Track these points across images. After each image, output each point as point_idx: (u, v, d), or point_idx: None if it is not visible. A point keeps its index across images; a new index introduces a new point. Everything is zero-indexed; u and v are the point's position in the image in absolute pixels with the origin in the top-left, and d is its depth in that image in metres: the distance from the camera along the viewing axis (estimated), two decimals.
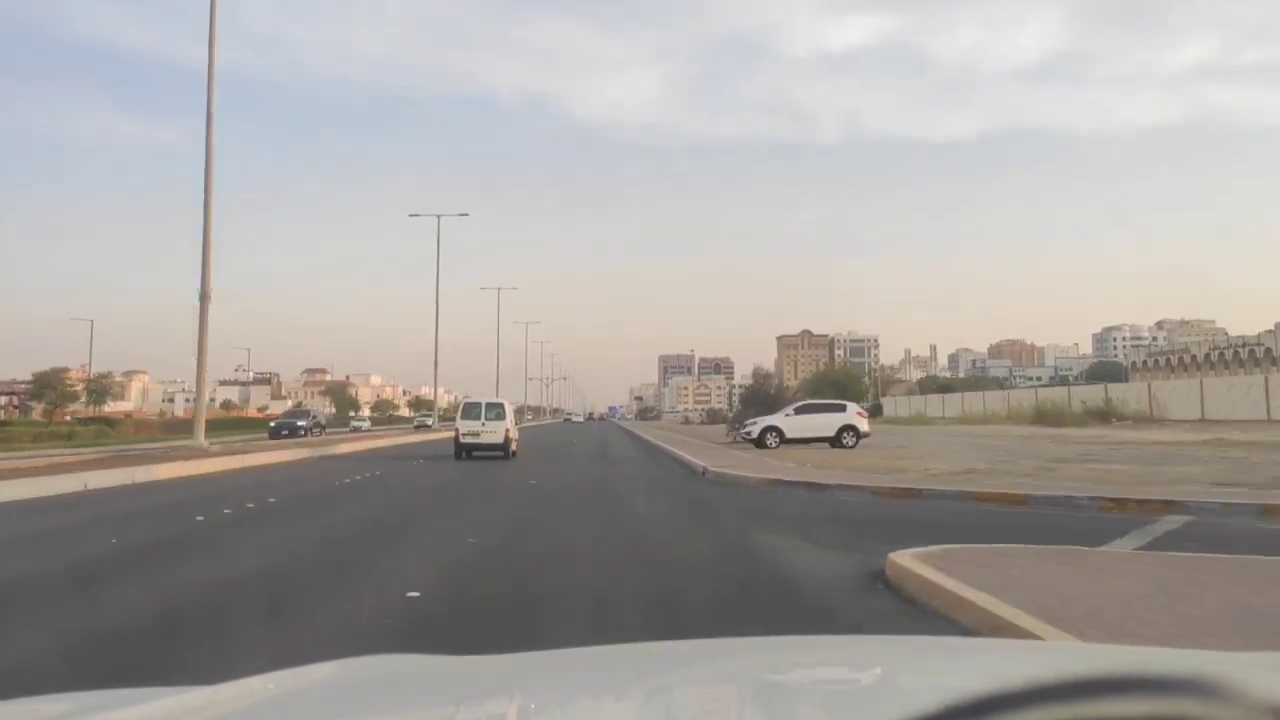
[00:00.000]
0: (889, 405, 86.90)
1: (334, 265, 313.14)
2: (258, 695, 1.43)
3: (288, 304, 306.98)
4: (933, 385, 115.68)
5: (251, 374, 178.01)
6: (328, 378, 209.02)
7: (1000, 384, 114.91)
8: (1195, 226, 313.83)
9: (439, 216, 52.90)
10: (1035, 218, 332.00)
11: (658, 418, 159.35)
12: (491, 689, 1.51)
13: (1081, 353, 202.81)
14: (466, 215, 57.48)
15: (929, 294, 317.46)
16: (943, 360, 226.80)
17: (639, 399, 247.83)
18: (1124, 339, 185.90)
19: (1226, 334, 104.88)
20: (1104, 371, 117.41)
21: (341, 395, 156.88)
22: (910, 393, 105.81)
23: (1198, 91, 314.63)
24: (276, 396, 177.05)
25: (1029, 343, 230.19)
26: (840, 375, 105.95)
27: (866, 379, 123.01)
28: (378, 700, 1.40)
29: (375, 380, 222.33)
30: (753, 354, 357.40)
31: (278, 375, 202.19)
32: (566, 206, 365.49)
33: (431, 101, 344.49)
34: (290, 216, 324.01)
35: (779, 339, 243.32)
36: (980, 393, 78.63)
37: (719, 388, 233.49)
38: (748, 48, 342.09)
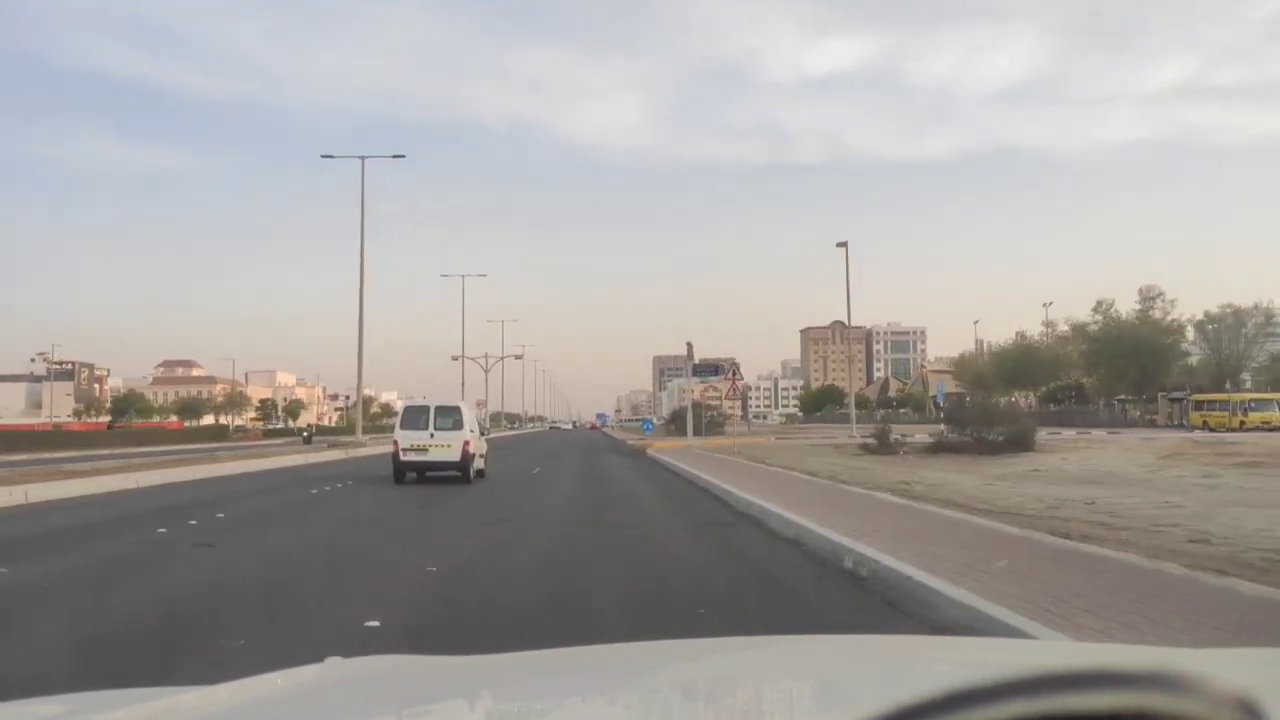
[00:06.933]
0: None
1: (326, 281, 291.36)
2: (248, 696, 1.46)
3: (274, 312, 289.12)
4: None
5: (47, 367, 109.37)
6: (195, 373, 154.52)
7: None
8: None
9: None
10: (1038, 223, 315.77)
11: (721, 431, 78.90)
12: (482, 689, 1.54)
13: None
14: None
15: (927, 296, 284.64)
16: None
17: (685, 387, 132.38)
18: None
19: None
20: None
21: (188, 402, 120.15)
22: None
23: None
24: (89, 399, 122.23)
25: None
26: (1137, 337, 55.90)
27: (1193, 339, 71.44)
28: (368, 700, 1.43)
29: (285, 379, 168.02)
30: (756, 354, 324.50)
31: (91, 368, 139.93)
32: (554, 223, 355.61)
33: (422, 125, 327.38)
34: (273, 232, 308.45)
35: (804, 332, 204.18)
36: None
37: (730, 390, 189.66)
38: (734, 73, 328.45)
